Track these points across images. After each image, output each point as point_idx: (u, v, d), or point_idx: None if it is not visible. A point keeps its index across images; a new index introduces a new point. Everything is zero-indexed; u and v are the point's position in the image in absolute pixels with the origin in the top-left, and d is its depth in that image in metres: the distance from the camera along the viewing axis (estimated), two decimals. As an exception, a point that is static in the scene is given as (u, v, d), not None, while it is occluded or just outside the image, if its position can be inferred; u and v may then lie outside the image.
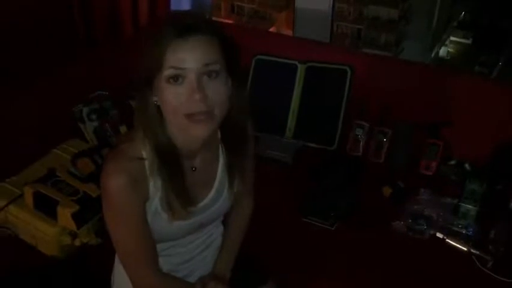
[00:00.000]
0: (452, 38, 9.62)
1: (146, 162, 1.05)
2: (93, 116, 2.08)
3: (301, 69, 2.28)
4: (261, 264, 1.50)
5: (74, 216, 1.63)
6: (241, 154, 1.16)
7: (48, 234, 1.65)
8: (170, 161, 1.06)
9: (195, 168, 1.14)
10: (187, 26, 0.96)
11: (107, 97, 2.15)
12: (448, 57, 9.60)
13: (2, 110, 1.94)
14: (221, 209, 1.22)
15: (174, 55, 0.96)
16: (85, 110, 2.07)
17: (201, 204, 1.16)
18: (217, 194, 1.19)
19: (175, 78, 0.97)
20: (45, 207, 1.67)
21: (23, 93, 2.02)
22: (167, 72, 0.97)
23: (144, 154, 1.05)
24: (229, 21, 6.32)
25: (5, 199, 1.71)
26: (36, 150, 1.90)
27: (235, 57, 1.03)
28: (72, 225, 1.64)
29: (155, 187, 1.07)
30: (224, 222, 1.36)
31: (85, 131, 2.08)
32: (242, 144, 1.15)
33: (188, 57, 0.96)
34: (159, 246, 1.17)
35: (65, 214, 1.63)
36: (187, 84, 0.97)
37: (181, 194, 1.08)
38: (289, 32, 4.13)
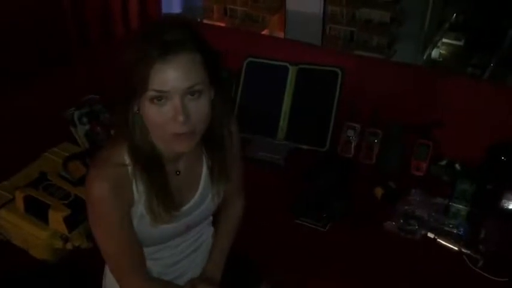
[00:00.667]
0: (444, 40, 9.67)
1: (129, 168, 1.06)
2: (85, 120, 2.08)
3: (292, 71, 2.29)
4: (254, 265, 1.50)
5: (66, 219, 1.63)
6: (223, 156, 1.16)
7: (39, 238, 1.65)
8: (153, 166, 1.06)
9: (179, 172, 1.14)
10: (169, 45, 0.94)
11: (98, 100, 2.15)
12: (440, 59, 9.64)
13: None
14: (207, 211, 1.23)
15: (157, 77, 0.94)
16: (76, 114, 2.07)
17: (186, 207, 1.17)
18: (202, 197, 1.19)
19: (159, 99, 0.96)
20: (37, 211, 1.67)
21: (13, 97, 2.02)
22: (150, 94, 0.96)
23: (127, 160, 1.06)
24: (222, 24, 6.32)
25: (-4, 203, 1.71)
26: (27, 155, 1.90)
27: (217, 68, 1.03)
28: (63, 229, 1.64)
29: (138, 193, 1.08)
30: (214, 223, 1.37)
31: (76, 135, 2.08)
32: (223, 146, 1.15)
33: (171, 80, 0.95)
34: (147, 250, 1.17)
35: (57, 218, 1.63)
36: (171, 106, 0.97)
37: (165, 198, 1.08)
38: (281, 35, 4.14)
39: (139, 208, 1.09)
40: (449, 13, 9.68)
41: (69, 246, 1.64)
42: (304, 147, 2.24)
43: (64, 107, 2.10)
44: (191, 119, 0.98)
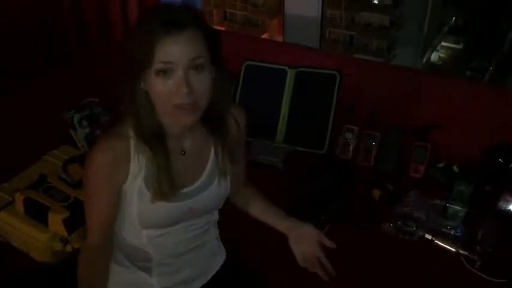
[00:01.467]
0: (443, 44, 9.70)
1: (132, 141, 1.12)
2: (84, 123, 2.09)
3: (290, 74, 2.31)
4: (252, 266, 1.50)
5: (65, 222, 1.64)
6: (225, 136, 1.21)
7: (39, 240, 1.65)
8: (156, 141, 1.12)
9: (184, 152, 1.18)
10: (174, 22, 1.02)
11: (98, 103, 2.16)
12: (440, 63, 9.67)
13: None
14: (212, 198, 1.24)
15: (163, 51, 1.01)
16: (76, 117, 2.08)
17: (190, 188, 1.19)
18: (208, 180, 1.21)
19: (164, 72, 1.03)
20: (36, 214, 1.68)
21: (13, 99, 2.03)
22: (156, 66, 1.03)
23: (132, 133, 1.12)
24: (221, 28, 6.35)
25: (-4, 206, 1.72)
26: (27, 157, 1.91)
27: (218, 46, 1.10)
28: (63, 231, 1.64)
29: (139, 166, 1.12)
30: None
31: (76, 138, 2.09)
32: (224, 127, 1.20)
33: (176, 53, 1.02)
34: (149, 233, 1.19)
35: (56, 220, 1.64)
36: (175, 78, 1.03)
37: (165, 174, 1.12)
38: (281, 39, 4.15)
39: (138, 182, 1.13)
40: (448, 17, 9.71)
41: (68, 248, 1.65)
42: (303, 149, 2.25)
43: (64, 108, 2.11)
44: (194, 91, 1.04)
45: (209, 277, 1.37)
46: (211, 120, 1.17)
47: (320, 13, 2.75)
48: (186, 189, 1.19)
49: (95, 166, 1.12)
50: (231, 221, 1.40)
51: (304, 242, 1.31)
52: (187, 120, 1.08)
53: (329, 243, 1.30)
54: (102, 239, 1.20)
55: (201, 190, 1.21)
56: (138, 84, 1.07)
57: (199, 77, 1.05)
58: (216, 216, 1.34)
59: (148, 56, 1.02)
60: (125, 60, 1.07)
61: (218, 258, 1.40)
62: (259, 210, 1.40)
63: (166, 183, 1.13)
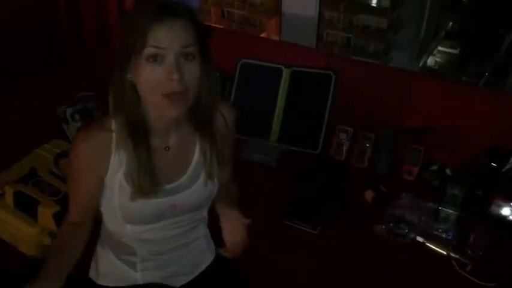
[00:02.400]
0: (440, 48, 9.71)
1: (114, 135, 1.11)
2: (77, 117, 2.08)
3: (286, 73, 2.30)
4: (242, 266, 1.49)
5: (55, 216, 1.62)
6: (213, 135, 1.19)
7: (28, 234, 1.64)
8: (139, 135, 1.11)
9: (168, 148, 1.17)
10: (168, 9, 1.03)
11: (91, 98, 2.15)
12: (436, 67, 9.69)
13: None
14: (198, 195, 1.21)
15: (155, 35, 1.02)
16: (69, 111, 2.07)
17: (173, 185, 1.17)
18: (192, 178, 1.19)
19: (155, 58, 1.03)
20: (26, 207, 1.67)
21: (6, 94, 2.02)
22: (147, 50, 1.02)
23: (114, 126, 1.11)
24: (219, 26, 6.31)
25: (-14, 198, 1.70)
26: (18, 150, 1.89)
27: (207, 41, 1.10)
28: (52, 226, 1.63)
29: (119, 161, 1.12)
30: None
31: (68, 132, 2.08)
32: (211, 124, 1.18)
33: (168, 38, 1.02)
34: (134, 228, 1.18)
35: (46, 214, 1.63)
36: (166, 64, 1.03)
37: (146, 169, 1.11)
38: (278, 39, 4.14)
39: (118, 177, 1.12)
40: (445, 21, 9.74)
41: (57, 242, 1.64)
42: (297, 149, 2.24)
43: (57, 104, 2.10)
44: (184, 79, 1.04)
45: (196, 274, 1.35)
46: (199, 117, 1.15)
47: (317, 13, 2.75)
48: (168, 186, 1.17)
49: (76, 154, 1.12)
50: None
51: (230, 221, 1.26)
52: (175, 111, 1.07)
53: (246, 221, 1.25)
54: (81, 219, 1.20)
55: (185, 187, 1.19)
56: (125, 75, 1.07)
57: (190, 66, 1.04)
58: (204, 214, 1.31)
59: (140, 40, 1.01)
60: (117, 50, 1.07)
61: (206, 256, 1.38)
62: (218, 204, 1.32)
63: (146, 180, 1.11)
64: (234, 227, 1.25)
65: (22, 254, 1.66)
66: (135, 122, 1.10)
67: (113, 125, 1.11)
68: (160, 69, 1.03)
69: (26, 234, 1.64)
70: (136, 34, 1.02)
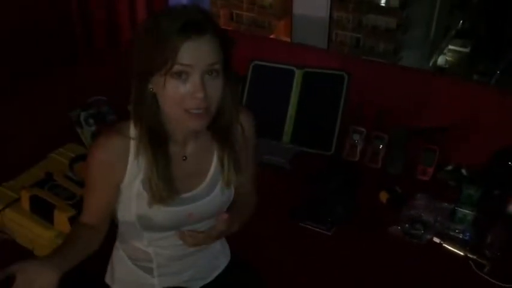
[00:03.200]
0: (450, 47, 9.67)
1: (132, 142, 1.10)
2: (91, 121, 2.08)
3: (298, 74, 2.29)
4: (257, 269, 1.49)
5: (71, 220, 1.63)
6: (231, 145, 1.18)
7: (44, 238, 1.65)
8: (159, 144, 1.10)
9: (186, 157, 1.16)
10: (194, 25, 1.00)
11: (104, 102, 2.16)
12: (446, 66, 9.64)
13: (0, 114, 1.95)
14: (214, 203, 1.21)
15: (182, 53, 1.00)
16: (83, 115, 2.08)
17: (191, 193, 1.17)
18: (209, 187, 1.19)
19: (179, 75, 1.02)
20: (42, 211, 1.68)
21: (21, 98, 2.03)
22: (173, 68, 1.00)
23: (134, 134, 1.10)
24: (228, 29, 6.33)
25: (2, 203, 1.72)
26: (33, 155, 1.91)
27: (231, 54, 1.08)
28: (68, 229, 1.63)
29: (138, 167, 1.11)
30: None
31: (82, 136, 2.09)
32: (230, 134, 1.17)
33: (195, 57, 1.00)
34: (152, 235, 1.19)
35: (62, 218, 1.63)
36: (191, 82, 1.02)
37: (164, 177, 1.11)
38: (288, 41, 4.14)
39: (136, 184, 1.12)
40: (455, 20, 9.69)
41: (74, 246, 1.64)
42: (310, 150, 2.24)
43: (71, 108, 2.11)
44: (208, 97, 1.03)
45: (212, 277, 1.36)
46: (219, 127, 1.14)
47: (329, 14, 2.74)
48: (185, 195, 1.16)
49: (93, 161, 1.12)
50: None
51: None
52: (197, 125, 1.06)
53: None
54: (93, 222, 1.19)
55: (202, 196, 1.19)
56: (146, 86, 1.05)
57: (214, 83, 1.03)
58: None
59: (167, 58, 0.99)
60: (138, 61, 1.05)
61: (222, 260, 1.39)
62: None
63: (164, 188, 1.11)
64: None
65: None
66: (154, 130, 1.09)
67: (131, 131, 1.11)
68: (185, 86, 1.02)
69: (42, 238, 1.65)
70: (162, 52, 0.99)
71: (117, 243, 1.30)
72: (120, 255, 1.29)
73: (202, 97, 1.01)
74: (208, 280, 1.35)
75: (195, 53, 1.00)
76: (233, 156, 1.18)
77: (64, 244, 1.12)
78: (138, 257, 1.25)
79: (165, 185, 1.11)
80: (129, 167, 1.11)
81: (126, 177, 1.12)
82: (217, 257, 1.37)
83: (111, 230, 1.24)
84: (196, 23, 1.00)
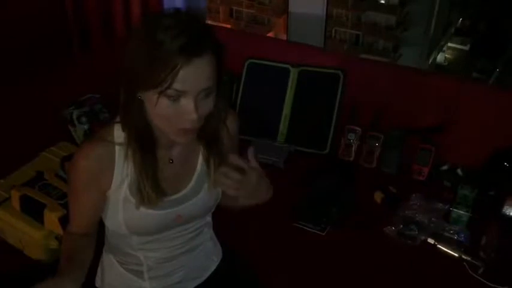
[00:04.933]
0: (450, 45, 9.64)
1: (117, 148, 1.09)
2: (84, 119, 2.07)
3: (293, 73, 2.27)
4: (251, 268, 1.48)
5: (61, 220, 1.61)
6: (219, 145, 1.17)
7: (34, 238, 1.63)
8: (146, 147, 1.09)
9: (172, 160, 1.15)
10: (196, 46, 0.94)
11: (97, 100, 2.14)
12: (446, 64, 9.61)
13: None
14: (202, 204, 1.21)
15: (177, 77, 0.94)
16: (75, 113, 2.07)
17: (178, 195, 1.16)
18: (195, 188, 1.18)
19: (173, 97, 0.97)
20: (33, 211, 1.66)
21: (12, 96, 2.02)
22: (167, 92, 0.96)
23: (118, 139, 1.09)
24: (227, 26, 6.32)
25: (-8, 202, 1.70)
26: (24, 153, 1.89)
27: (224, 67, 1.04)
28: (59, 229, 1.62)
29: (125, 173, 1.10)
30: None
31: (75, 134, 2.08)
32: (218, 136, 1.17)
33: (190, 81, 0.96)
34: (140, 239, 1.18)
35: (52, 218, 1.62)
36: (184, 104, 0.98)
37: (151, 180, 1.10)
38: (283, 39, 4.12)
39: (123, 189, 1.11)
40: (455, 18, 9.66)
41: (64, 246, 1.63)
42: (305, 150, 2.22)
43: (63, 106, 2.09)
44: (199, 116, 1.00)
45: (205, 277, 1.35)
46: (206, 132, 1.12)
47: (325, 12, 2.72)
48: (173, 197, 1.16)
49: (77, 171, 1.10)
50: (228, 220, 1.37)
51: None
52: (184, 140, 1.05)
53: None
54: (82, 230, 1.18)
55: (189, 198, 1.18)
56: (135, 95, 1.02)
57: (206, 102, 1.01)
58: (208, 219, 1.31)
59: (163, 80, 0.94)
60: (127, 70, 0.99)
61: (214, 259, 1.38)
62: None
63: (153, 191, 1.10)
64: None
65: (28, 258, 1.66)
66: (142, 135, 1.07)
67: (115, 136, 1.09)
68: (179, 105, 0.98)
69: (32, 238, 1.64)
70: (159, 72, 0.93)
71: (106, 247, 1.29)
72: (109, 259, 1.28)
73: (195, 119, 0.99)
74: (202, 280, 1.35)
75: (191, 77, 0.95)
76: (219, 155, 1.17)
77: (69, 259, 1.12)
78: (127, 260, 1.24)
79: (154, 189, 1.10)
80: (115, 172, 1.10)
81: (112, 184, 1.10)
82: (208, 257, 1.36)
83: (99, 234, 1.23)
84: (197, 42, 0.95)
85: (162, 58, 0.93)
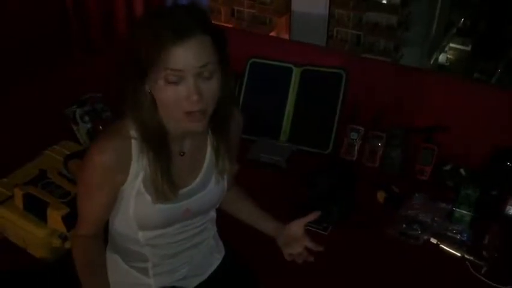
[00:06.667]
0: (451, 45, 9.64)
1: (133, 142, 1.09)
2: (86, 118, 2.07)
3: (296, 72, 2.28)
4: (253, 268, 1.48)
5: (64, 218, 1.61)
6: (227, 134, 1.19)
7: (38, 236, 1.63)
8: (158, 142, 1.10)
9: (183, 153, 1.16)
10: (182, 29, 0.99)
11: (100, 99, 2.14)
12: (447, 64, 9.62)
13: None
14: (209, 196, 1.22)
15: (172, 58, 0.99)
16: (78, 112, 2.07)
17: (188, 188, 1.17)
18: (204, 179, 1.20)
19: (173, 79, 1.01)
20: (36, 209, 1.66)
21: (15, 94, 2.02)
22: (165, 74, 1.01)
23: (133, 133, 1.09)
24: (229, 25, 6.32)
25: (-5, 201, 1.70)
26: (28, 152, 1.89)
27: (226, 50, 1.07)
28: (62, 228, 1.62)
29: (139, 167, 1.10)
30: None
31: (78, 133, 2.08)
32: (228, 125, 1.18)
33: (186, 60, 1.00)
34: (146, 234, 1.18)
35: (55, 216, 1.62)
36: (185, 86, 1.02)
37: (166, 175, 1.11)
38: (288, 37, 4.12)
39: (137, 183, 1.11)
40: (456, 18, 9.66)
41: (67, 245, 1.62)
42: (307, 149, 2.22)
43: (66, 104, 2.09)
44: (203, 98, 1.03)
45: (207, 275, 1.36)
46: (215, 121, 1.14)
47: (328, 11, 2.72)
48: (183, 190, 1.17)
49: (93, 167, 1.09)
50: (229, 219, 1.38)
51: (292, 245, 1.33)
52: (197, 128, 1.07)
53: (315, 246, 1.31)
54: (93, 231, 1.18)
55: (198, 190, 1.19)
56: (143, 87, 1.05)
57: (209, 84, 1.03)
58: (212, 214, 1.32)
59: (156, 62, 1.00)
60: (130, 61, 1.04)
61: (216, 256, 1.39)
62: (247, 215, 1.39)
63: (167, 185, 1.11)
64: (297, 250, 1.33)
65: (32, 256, 1.66)
66: (154, 129, 1.09)
67: (132, 132, 1.09)
68: (180, 89, 1.02)
69: (35, 237, 1.64)
70: (153, 55, 0.99)
71: (110, 246, 1.29)
72: (113, 258, 1.28)
73: (197, 99, 1.01)
74: (204, 277, 1.35)
75: (184, 57, 1.00)
76: (228, 145, 1.19)
77: (92, 273, 1.17)
78: (132, 258, 1.24)
79: (168, 183, 1.11)
80: (131, 167, 1.10)
81: (128, 178, 1.11)
82: (211, 253, 1.37)
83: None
84: (185, 27, 1.00)
85: (155, 42, 0.99)
